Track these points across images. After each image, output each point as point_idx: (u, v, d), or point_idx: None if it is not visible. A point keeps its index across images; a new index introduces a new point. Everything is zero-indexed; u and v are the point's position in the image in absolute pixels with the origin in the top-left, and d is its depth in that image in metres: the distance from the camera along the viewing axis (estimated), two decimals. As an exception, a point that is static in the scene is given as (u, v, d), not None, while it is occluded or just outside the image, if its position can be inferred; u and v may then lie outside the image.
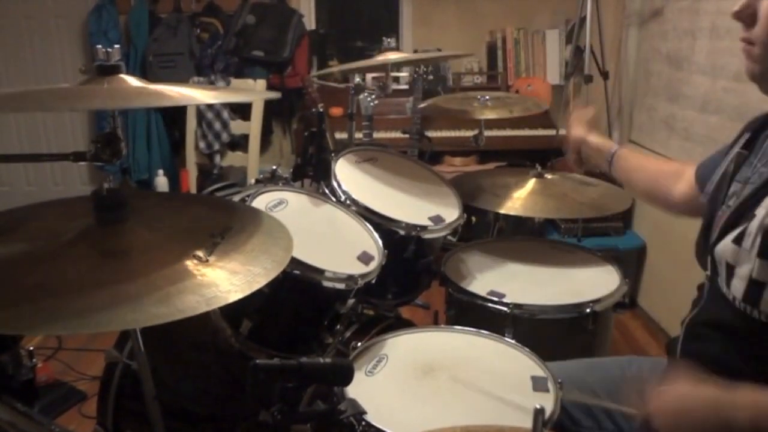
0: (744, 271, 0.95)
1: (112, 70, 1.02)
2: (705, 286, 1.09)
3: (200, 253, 0.88)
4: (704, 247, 1.07)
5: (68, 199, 1.09)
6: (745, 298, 0.95)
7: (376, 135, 2.17)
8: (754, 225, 0.94)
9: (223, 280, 0.85)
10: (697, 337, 1.08)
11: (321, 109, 1.66)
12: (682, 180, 1.33)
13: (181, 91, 0.98)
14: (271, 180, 1.56)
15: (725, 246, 0.99)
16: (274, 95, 1.18)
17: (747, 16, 0.97)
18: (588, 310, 1.49)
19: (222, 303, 0.82)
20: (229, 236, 0.95)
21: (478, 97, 2.05)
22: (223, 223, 1.00)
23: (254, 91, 1.23)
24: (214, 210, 1.10)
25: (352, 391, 1.11)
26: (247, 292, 0.85)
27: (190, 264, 0.86)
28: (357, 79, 1.98)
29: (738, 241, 0.97)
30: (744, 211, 0.99)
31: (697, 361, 1.04)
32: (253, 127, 3.39)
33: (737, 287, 0.96)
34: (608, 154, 1.48)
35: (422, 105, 2.20)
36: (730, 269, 0.98)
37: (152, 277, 0.82)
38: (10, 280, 0.81)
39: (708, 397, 0.91)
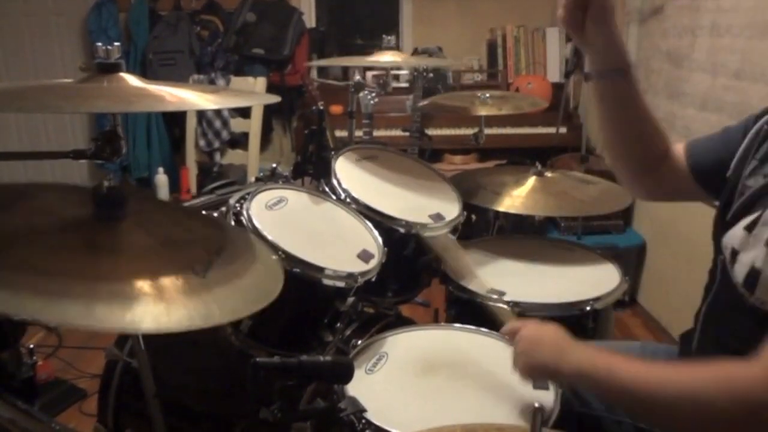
0: (748, 257, 0.94)
1: (112, 68, 1.02)
2: (718, 268, 1.06)
3: (198, 268, 0.88)
4: (722, 225, 1.04)
5: (71, 185, 1.08)
6: (744, 283, 0.94)
7: (376, 133, 2.17)
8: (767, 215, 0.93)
9: (218, 298, 0.85)
10: (715, 324, 1.06)
11: (321, 107, 1.66)
12: (672, 155, 1.21)
13: (181, 95, 0.97)
14: (271, 178, 1.56)
15: (734, 233, 0.98)
16: (275, 99, 1.17)
17: None
18: (588, 308, 1.49)
19: (215, 322, 0.81)
20: (224, 256, 0.95)
21: (479, 95, 2.05)
22: (217, 242, 0.99)
23: (255, 95, 1.22)
24: (208, 227, 1.09)
25: (352, 389, 1.11)
26: (240, 315, 0.84)
27: (185, 276, 0.85)
28: (357, 77, 1.98)
29: (750, 227, 0.95)
30: (761, 197, 0.97)
31: (715, 350, 1.02)
32: (253, 125, 3.39)
33: (739, 272, 0.95)
34: (626, 60, 1.14)
35: (422, 103, 2.20)
36: (734, 255, 0.97)
37: (144, 282, 0.81)
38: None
39: (559, 340, 1.04)
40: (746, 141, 1.07)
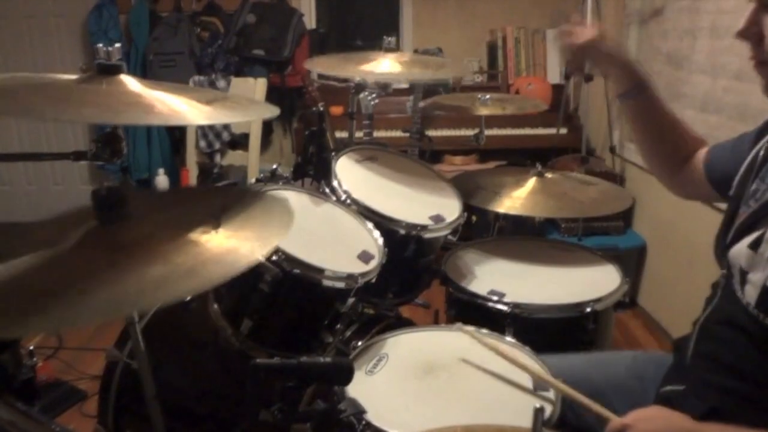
0: (758, 277, 0.92)
1: (112, 70, 1.02)
2: (720, 284, 1.05)
3: (210, 227, 0.89)
4: (723, 246, 1.04)
5: (64, 213, 1.09)
6: (758, 304, 0.92)
7: (377, 134, 2.17)
8: None
9: (240, 245, 0.87)
10: (711, 337, 1.05)
11: (321, 108, 1.66)
12: (694, 158, 1.28)
13: (175, 107, 0.96)
14: (271, 179, 1.56)
15: (740, 250, 0.97)
16: (274, 113, 1.16)
17: (753, 35, 0.95)
18: (588, 310, 1.49)
19: (246, 264, 0.83)
20: (230, 212, 0.96)
21: (479, 96, 2.05)
22: (219, 203, 1.00)
23: (252, 107, 1.20)
24: (207, 196, 1.12)
25: (353, 390, 1.11)
26: (267, 249, 0.87)
27: (203, 239, 0.87)
28: (357, 78, 1.98)
29: (754, 246, 0.94)
30: (763, 215, 0.96)
31: (709, 363, 1.03)
32: (253, 127, 3.39)
33: (750, 293, 0.94)
34: (640, 79, 1.27)
35: (422, 105, 2.19)
36: (744, 274, 0.95)
37: (172, 258, 0.83)
38: (21, 290, 0.81)
39: (677, 423, 0.95)
40: (747, 162, 1.08)
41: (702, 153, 1.27)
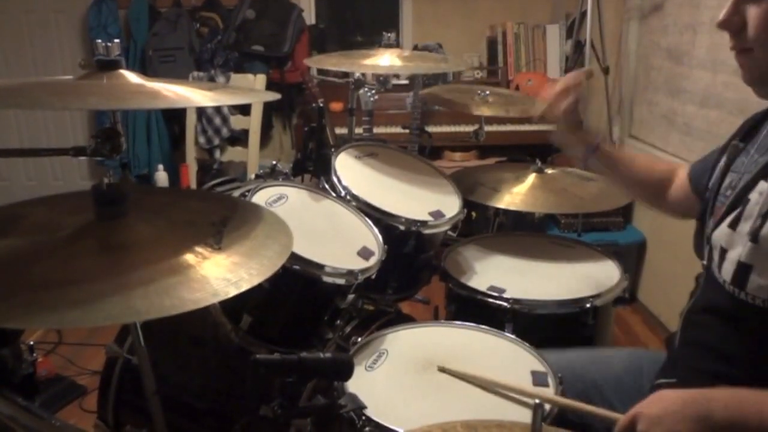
0: (734, 254, 0.96)
1: (111, 65, 1.02)
2: (702, 275, 1.10)
3: (211, 240, 0.89)
4: (701, 238, 1.08)
5: (65, 194, 1.09)
6: (733, 280, 0.96)
7: (376, 130, 2.16)
8: (749, 209, 0.96)
9: (236, 267, 0.86)
10: (695, 325, 1.09)
11: (321, 104, 1.66)
12: (675, 179, 1.33)
13: (179, 92, 0.97)
14: (271, 175, 1.56)
15: (721, 231, 1.01)
16: (274, 96, 1.17)
17: (734, 24, 0.97)
18: (588, 305, 1.50)
19: (248, 285, 0.83)
20: (230, 225, 0.96)
21: (479, 91, 2.04)
22: (220, 213, 1.00)
23: (254, 92, 1.20)
24: (207, 202, 1.11)
25: (353, 385, 1.11)
26: (268, 274, 0.86)
27: (198, 253, 0.87)
28: (357, 74, 1.98)
29: (734, 225, 0.98)
30: (740, 198, 1.00)
31: (695, 350, 1.06)
32: (253, 123, 3.39)
33: (727, 270, 0.97)
34: (592, 143, 1.37)
35: (422, 92, 2.18)
36: (723, 253, 0.99)
37: (160, 269, 0.82)
38: (11, 274, 0.81)
39: (686, 396, 0.90)
40: (723, 161, 1.11)
41: (684, 172, 1.31)
